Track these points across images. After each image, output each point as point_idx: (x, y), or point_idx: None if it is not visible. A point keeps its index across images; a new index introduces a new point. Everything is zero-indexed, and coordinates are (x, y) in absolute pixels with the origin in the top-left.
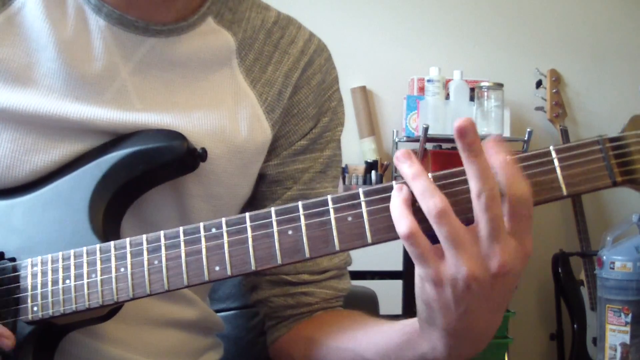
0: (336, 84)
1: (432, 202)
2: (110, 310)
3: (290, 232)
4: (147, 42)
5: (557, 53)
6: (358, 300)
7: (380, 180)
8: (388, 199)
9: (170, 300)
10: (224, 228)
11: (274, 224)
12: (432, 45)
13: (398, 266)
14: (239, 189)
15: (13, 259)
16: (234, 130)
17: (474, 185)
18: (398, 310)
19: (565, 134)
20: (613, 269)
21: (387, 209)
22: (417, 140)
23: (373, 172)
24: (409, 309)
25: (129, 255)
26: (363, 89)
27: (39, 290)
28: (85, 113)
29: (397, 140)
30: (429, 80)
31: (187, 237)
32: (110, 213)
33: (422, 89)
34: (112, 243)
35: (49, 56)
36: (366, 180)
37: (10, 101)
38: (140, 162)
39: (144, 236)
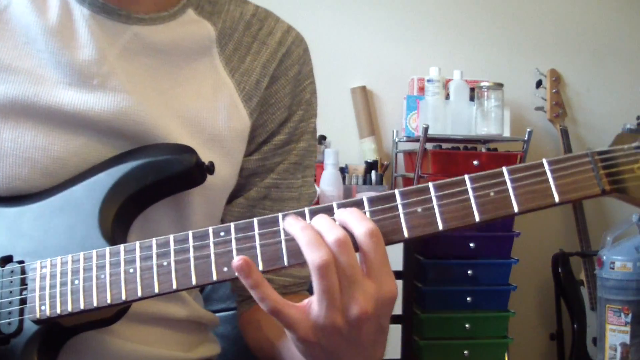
0: (312, 76)
1: (318, 254)
2: (116, 313)
3: None
4: (130, 30)
5: (557, 53)
6: None
7: (380, 180)
8: (393, 208)
9: (161, 298)
10: (233, 233)
11: (281, 229)
12: (432, 45)
13: (398, 266)
14: (226, 178)
15: (22, 262)
16: (212, 119)
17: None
18: (398, 310)
19: (565, 134)
20: (613, 269)
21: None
22: (417, 140)
23: (373, 172)
24: (409, 309)
25: (138, 258)
26: (363, 89)
27: (47, 290)
28: (79, 102)
29: (397, 140)
30: (429, 80)
31: (197, 242)
32: (119, 220)
33: (422, 89)
34: (122, 246)
35: (38, 47)
36: (366, 180)
37: (5, 93)
38: (150, 173)
39: (154, 239)
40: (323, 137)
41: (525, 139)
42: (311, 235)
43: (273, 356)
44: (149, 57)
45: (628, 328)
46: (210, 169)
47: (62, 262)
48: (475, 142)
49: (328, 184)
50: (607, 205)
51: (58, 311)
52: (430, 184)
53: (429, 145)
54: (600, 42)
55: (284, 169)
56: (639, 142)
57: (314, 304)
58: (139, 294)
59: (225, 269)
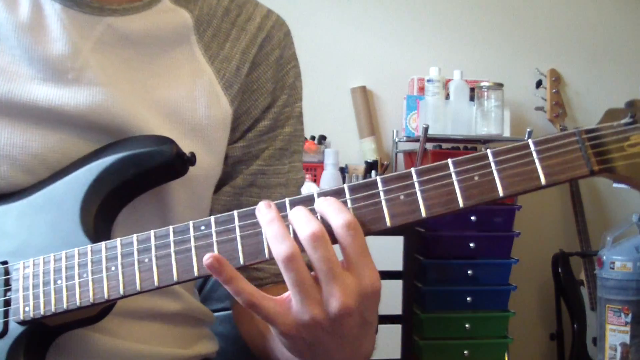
0: (295, 59)
1: (282, 247)
2: (100, 311)
3: None
4: (103, 21)
5: (557, 53)
6: None
7: None
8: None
9: (154, 293)
10: (213, 226)
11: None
12: (432, 45)
13: (398, 266)
14: (209, 168)
15: (5, 262)
16: (191, 109)
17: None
18: (398, 310)
19: None
20: (613, 269)
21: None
22: (417, 140)
23: (373, 172)
24: (409, 309)
25: (119, 255)
26: (363, 89)
27: (30, 291)
28: (54, 97)
29: (397, 140)
30: (429, 80)
31: (177, 237)
32: (101, 216)
33: (422, 89)
34: (103, 243)
35: (10, 44)
36: None
37: None
38: (131, 166)
39: (134, 236)
40: (323, 137)
41: (525, 139)
42: (276, 228)
43: (264, 348)
44: (124, 48)
45: (628, 328)
46: (191, 159)
47: (44, 261)
48: (475, 142)
49: (328, 184)
50: (607, 205)
51: (42, 312)
52: (413, 170)
53: (429, 145)
54: (600, 42)
55: (269, 155)
56: (629, 118)
57: (291, 301)
58: (121, 292)
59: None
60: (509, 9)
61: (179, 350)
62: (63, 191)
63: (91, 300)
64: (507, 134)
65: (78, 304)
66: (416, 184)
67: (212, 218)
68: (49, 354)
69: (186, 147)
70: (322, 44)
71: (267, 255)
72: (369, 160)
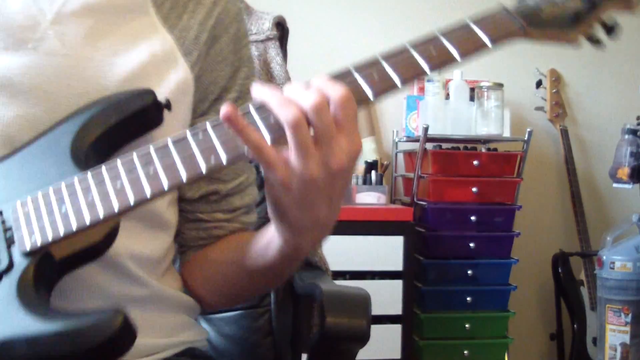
0: (247, 35)
1: (289, 111)
2: (105, 237)
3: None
4: None
5: (557, 53)
6: (349, 301)
7: (380, 180)
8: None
9: (120, 279)
10: (209, 128)
11: (252, 112)
12: None
13: (398, 266)
14: (173, 131)
15: None
16: (153, 75)
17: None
18: (398, 310)
19: (565, 134)
20: (613, 269)
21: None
22: (417, 140)
23: (373, 172)
24: (409, 309)
25: (122, 171)
26: None
27: (34, 222)
28: (13, 66)
29: (397, 140)
30: (429, 80)
31: (177, 145)
32: (90, 162)
33: (422, 89)
34: (102, 165)
35: None
36: (366, 180)
37: None
38: (113, 114)
39: (134, 152)
40: None
41: (525, 139)
42: (281, 96)
43: (242, 266)
44: (83, 17)
45: (628, 328)
46: (167, 105)
47: (43, 194)
48: (475, 142)
49: None
50: (607, 205)
51: (50, 238)
52: (378, 55)
53: (429, 145)
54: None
55: None
56: None
57: (291, 155)
58: (131, 202)
59: (212, 157)
60: None
61: (160, 340)
62: (49, 144)
63: (101, 216)
64: (507, 134)
65: (88, 222)
66: (383, 62)
67: (208, 122)
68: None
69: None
70: (322, 44)
71: (269, 140)
72: (369, 160)
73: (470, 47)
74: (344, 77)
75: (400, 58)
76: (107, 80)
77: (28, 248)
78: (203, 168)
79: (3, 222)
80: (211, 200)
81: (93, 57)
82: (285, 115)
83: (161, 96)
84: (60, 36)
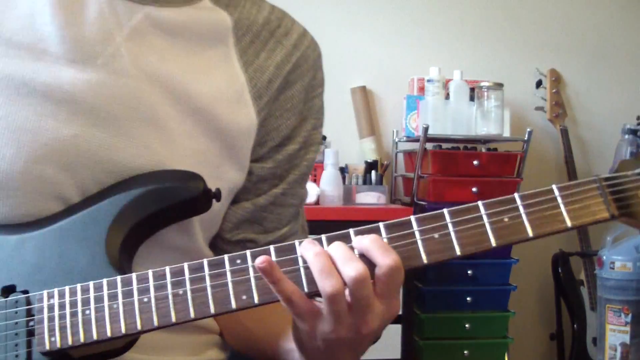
0: (323, 84)
1: (330, 282)
2: (127, 343)
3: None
4: (142, 10)
5: (557, 53)
6: None
7: (380, 180)
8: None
9: None
10: (249, 261)
11: (299, 256)
12: (432, 45)
13: None
14: (230, 181)
15: (26, 291)
16: (219, 111)
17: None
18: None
19: (565, 134)
20: (613, 269)
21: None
22: (417, 140)
23: (373, 172)
24: (409, 309)
25: (152, 287)
26: (363, 89)
27: (56, 321)
28: (79, 82)
29: (397, 140)
30: (429, 80)
31: (212, 270)
32: (125, 247)
33: (422, 89)
34: (133, 275)
35: (43, 20)
36: (366, 180)
37: (2, 68)
38: (156, 200)
39: (167, 268)
40: (323, 137)
41: (525, 139)
42: (324, 262)
43: (275, 346)
44: (159, 37)
45: (628, 328)
46: (217, 195)
47: (70, 291)
48: (475, 142)
49: (328, 184)
50: None
51: (69, 342)
52: (445, 211)
53: (429, 145)
54: (600, 42)
55: (294, 180)
56: None
57: (323, 315)
58: (155, 323)
59: (244, 296)
60: (509, 9)
61: (188, 357)
62: (86, 222)
63: (123, 331)
64: (507, 134)
65: (109, 334)
66: (450, 225)
67: (248, 252)
68: None
69: (205, 146)
70: (322, 44)
71: (306, 289)
72: (369, 160)
73: (547, 229)
74: (402, 228)
75: (467, 226)
76: (168, 111)
77: (47, 348)
78: (233, 304)
79: (29, 306)
80: (247, 247)
81: (160, 83)
82: (324, 286)
83: (217, 139)
84: (132, 55)
